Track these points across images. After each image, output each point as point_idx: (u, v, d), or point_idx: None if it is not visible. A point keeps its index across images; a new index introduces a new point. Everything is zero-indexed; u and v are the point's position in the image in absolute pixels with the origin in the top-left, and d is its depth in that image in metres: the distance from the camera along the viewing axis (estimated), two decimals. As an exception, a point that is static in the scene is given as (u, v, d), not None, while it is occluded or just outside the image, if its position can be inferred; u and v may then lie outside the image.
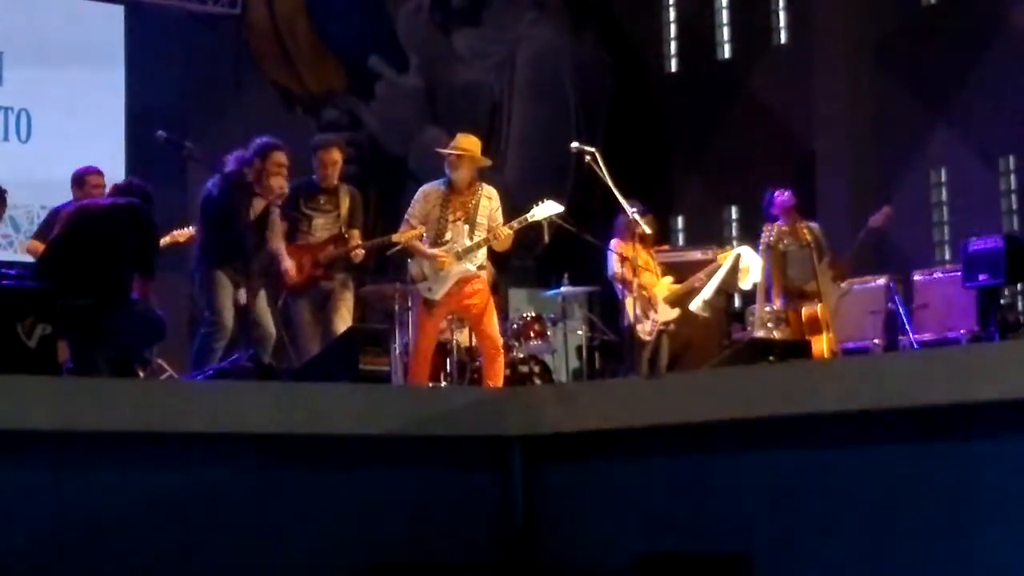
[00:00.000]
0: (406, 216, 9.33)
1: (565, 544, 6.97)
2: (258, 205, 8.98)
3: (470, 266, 9.21)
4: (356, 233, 9.64)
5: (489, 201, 9.33)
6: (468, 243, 9.20)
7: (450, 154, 9.27)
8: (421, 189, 9.41)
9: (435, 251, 9.15)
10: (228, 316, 8.80)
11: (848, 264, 11.04)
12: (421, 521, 6.84)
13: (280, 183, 8.99)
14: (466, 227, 9.24)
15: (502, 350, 9.42)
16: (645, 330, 10.48)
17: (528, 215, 9.44)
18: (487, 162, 9.55)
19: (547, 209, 9.48)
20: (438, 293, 9.17)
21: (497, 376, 9.13)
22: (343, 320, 9.41)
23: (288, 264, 9.28)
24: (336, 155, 9.70)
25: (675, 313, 10.63)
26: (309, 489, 6.59)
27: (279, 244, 9.31)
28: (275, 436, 6.49)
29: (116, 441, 6.11)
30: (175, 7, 13.77)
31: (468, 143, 9.34)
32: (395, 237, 9.36)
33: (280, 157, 8.99)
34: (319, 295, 9.45)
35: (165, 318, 8.39)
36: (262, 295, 8.99)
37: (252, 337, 8.78)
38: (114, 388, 6.59)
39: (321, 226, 9.52)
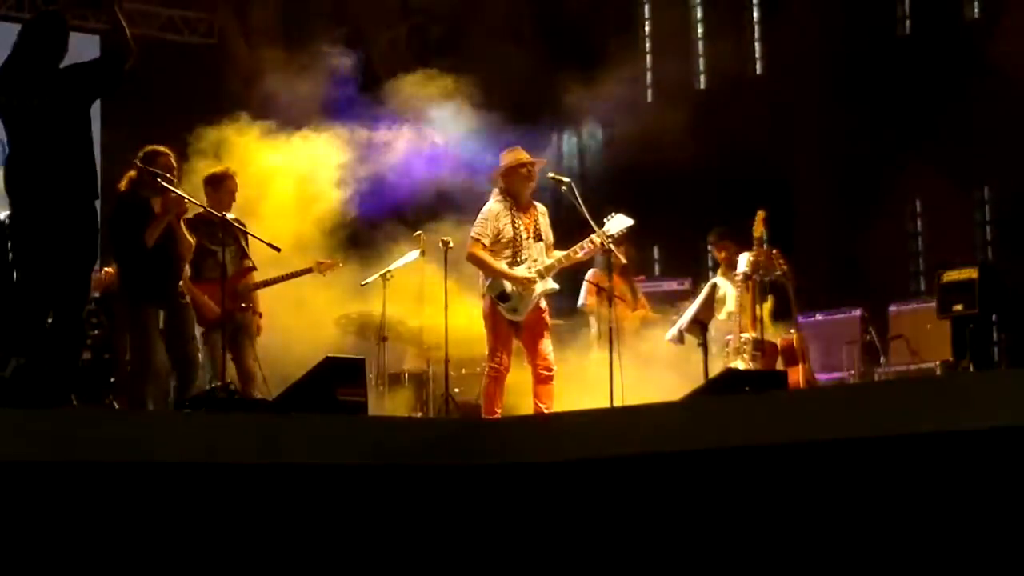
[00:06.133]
0: (475, 235, 9.17)
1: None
2: (159, 223, 8.67)
3: (554, 284, 9.18)
4: (249, 262, 9.66)
5: (545, 217, 9.32)
6: (548, 261, 9.16)
7: (524, 167, 9.19)
8: (487, 207, 9.24)
9: (523, 273, 9.06)
10: (160, 360, 8.68)
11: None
12: (397, 551, 6.82)
13: (172, 199, 8.69)
14: (540, 245, 9.19)
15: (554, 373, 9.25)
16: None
17: (603, 230, 9.35)
18: (544, 162, 9.55)
19: (620, 222, 9.43)
20: (523, 314, 9.09)
21: (550, 398, 9.02)
22: (254, 351, 9.45)
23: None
24: (236, 184, 9.72)
25: (646, 345, 10.67)
26: (285, 520, 6.56)
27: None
28: (251, 467, 6.46)
29: (90, 472, 6.07)
30: (151, 36, 13.76)
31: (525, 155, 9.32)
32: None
33: (167, 160, 8.81)
34: (233, 326, 9.43)
35: None
36: (191, 317, 8.87)
37: (187, 367, 8.70)
38: (88, 419, 6.56)
39: (230, 260, 9.43)
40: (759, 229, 10.50)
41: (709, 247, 10.81)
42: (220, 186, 9.62)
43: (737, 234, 10.93)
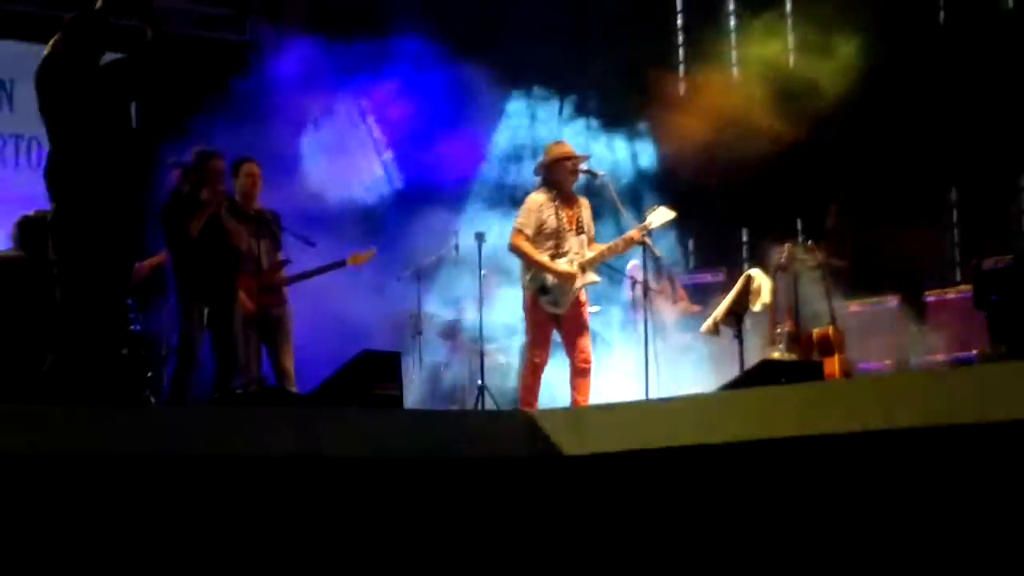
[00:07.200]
0: (518, 226, 9.16)
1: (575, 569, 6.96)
2: (203, 214, 8.79)
3: (595, 277, 9.18)
4: (282, 255, 9.68)
5: (588, 210, 9.33)
6: (589, 254, 9.16)
7: (569, 161, 9.20)
8: (531, 198, 9.25)
9: (564, 267, 9.04)
10: (196, 353, 8.75)
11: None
12: (435, 544, 6.83)
13: (217, 191, 8.80)
14: (581, 237, 9.19)
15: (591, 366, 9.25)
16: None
17: (647, 222, 9.34)
18: (588, 157, 9.54)
19: (662, 215, 9.43)
20: (564, 307, 9.08)
21: (587, 392, 9.02)
22: (289, 346, 9.48)
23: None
24: (257, 168, 9.64)
25: (686, 337, 10.65)
26: (323, 513, 6.58)
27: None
28: (288, 460, 6.48)
29: (127, 465, 6.10)
30: (183, 33, 13.79)
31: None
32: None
33: (218, 164, 8.88)
34: (268, 321, 9.45)
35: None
36: (239, 318, 8.92)
37: (230, 362, 8.73)
38: (128, 413, 6.58)
39: (264, 254, 9.41)
40: (832, 221, 10.53)
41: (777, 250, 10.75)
42: (238, 172, 9.59)
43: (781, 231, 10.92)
